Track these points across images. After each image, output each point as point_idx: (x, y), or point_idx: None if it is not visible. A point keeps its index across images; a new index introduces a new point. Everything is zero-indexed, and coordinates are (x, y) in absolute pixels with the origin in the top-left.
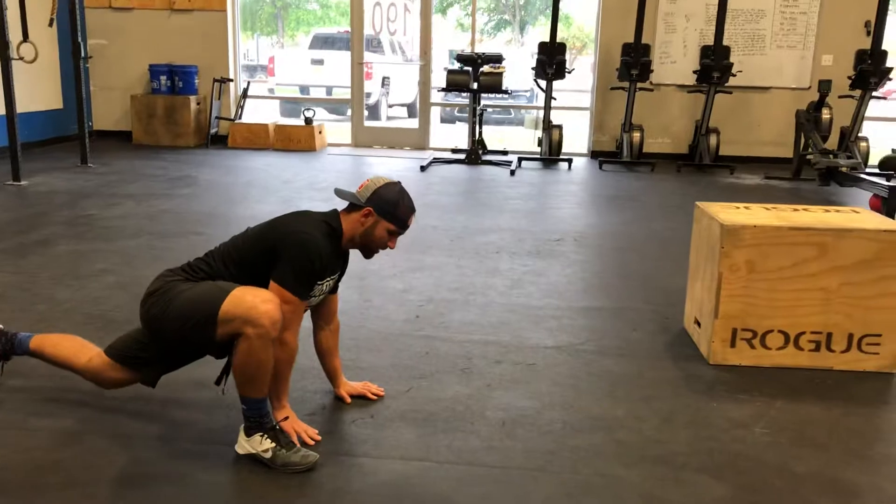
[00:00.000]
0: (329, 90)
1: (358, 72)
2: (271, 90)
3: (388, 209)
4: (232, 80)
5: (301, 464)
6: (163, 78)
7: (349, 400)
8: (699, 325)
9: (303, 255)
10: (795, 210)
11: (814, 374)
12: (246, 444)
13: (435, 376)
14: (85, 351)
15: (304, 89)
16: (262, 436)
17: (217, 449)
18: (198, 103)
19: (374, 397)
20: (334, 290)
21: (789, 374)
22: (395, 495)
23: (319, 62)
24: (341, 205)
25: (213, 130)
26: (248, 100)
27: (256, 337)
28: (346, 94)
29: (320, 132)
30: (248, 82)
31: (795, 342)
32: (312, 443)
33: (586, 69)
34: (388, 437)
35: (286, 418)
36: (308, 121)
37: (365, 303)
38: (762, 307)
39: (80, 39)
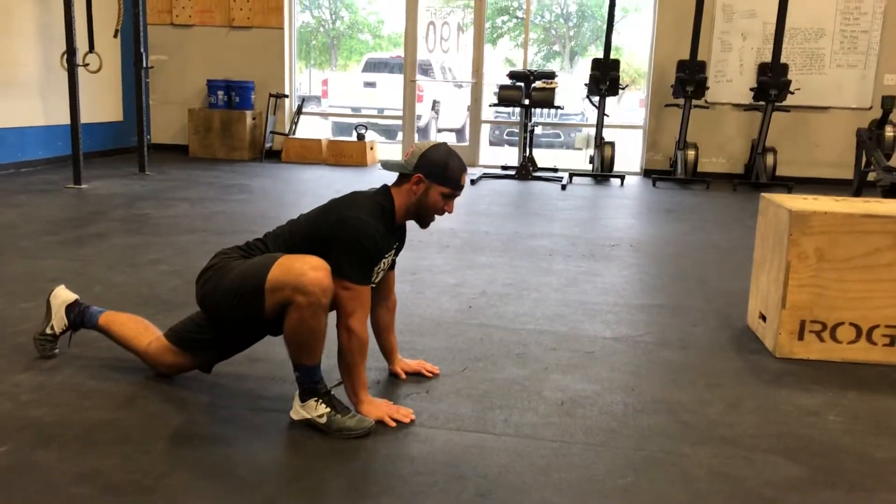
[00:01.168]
0: (381, 111)
1: (410, 89)
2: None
3: (438, 171)
4: (287, 96)
5: (357, 428)
6: (220, 93)
7: (404, 376)
8: (764, 319)
9: (356, 240)
10: (867, 202)
11: (889, 370)
12: (301, 410)
13: (490, 359)
14: (147, 334)
15: (356, 111)
16: (316, 401)
17: (271, 416)
18: (253, 118)
19: (430, 374)
20: (391, 266)
21: (861, 368)
22: (452, 462)
23: (372, 85)
24: (391, 179)
25: (267, 145)
26: (302, 117)
27: (307, 305)
28: (397, 114)
29: (371, 148)
30: (303, 98)
31: (868, 336)
32: (408, 422)
33: (635, 103)
34: (444, 409)
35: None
36: (360, 136)
37: (418, 295)
38: (832, 298)
39: (142, 50)
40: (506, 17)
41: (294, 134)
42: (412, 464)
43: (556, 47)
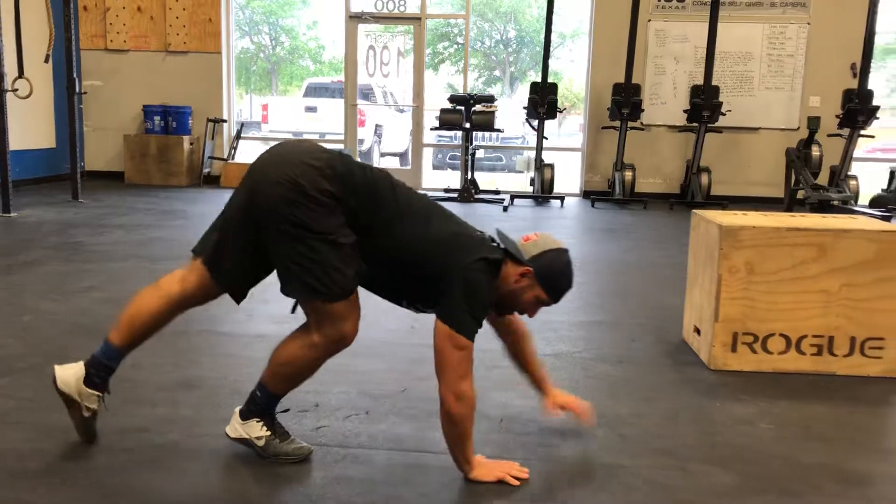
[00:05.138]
0: (322, 135)
1: (351, 113)
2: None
3: (551, 278)
4: (225, 121)
5: (294, 454)
6: (156, 118)
7: (560, 413)
8: (699, 332)
9: (479, 296)
10: (793, 216)
11: (817, 379)
12: (240, 429)
13: (431, 379)
14: (168, 281)
15: (297, 135)
16: (259, 422)
17: (204, 440)
18: (191, 143)
19: (582, 417)
20: None
21: (792, 378)
22: (391, 482)
23: (313, 109)
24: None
25: (206, 170)
26: (241, 142)
27: (327, 353)
28: (339, 138)
29: None
30: (242, 123)
31: (797, 346)
32: (526, 476)
33: (576, 127)
34: (384, 430)
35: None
36: None
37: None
38: (763, 310)
39: (74, 75)
40: (447, 43)
41: (233, 159)
42: (350, 486)
43: (497, 72)
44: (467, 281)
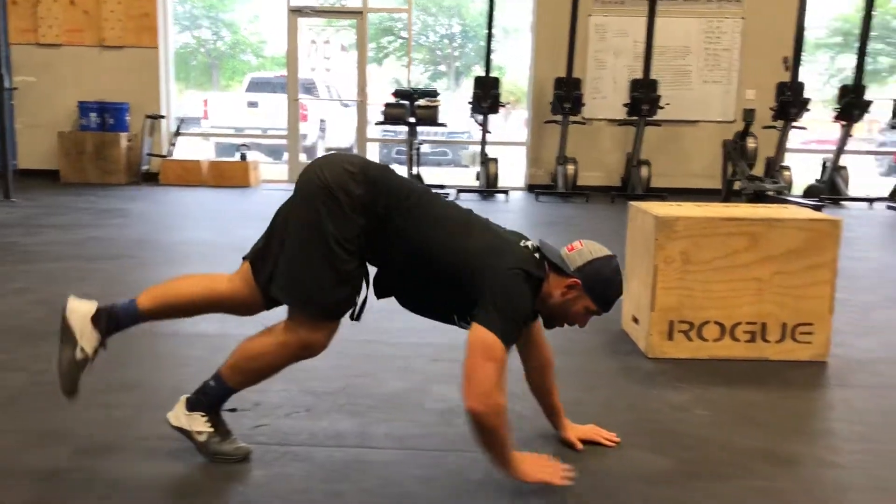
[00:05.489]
0: (265, 130)
1: (293, 108)
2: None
3: (599, 288)
4: (164, 117)
5: (233, 454)
6: (92, 115)
7: (580, 446)
8: (637, 321)
9: (515, 302)
10: (726, 206)
11: (750, 365)
12: (183, 418)
13: (372, 374)
14: (216, 276)
15: (239, 131)
16: (203, 416)
17: (141, 443)
18: (129, 140)
19: (609, 443)
20: None
21: (726, 364)
22: (332, 479)
23: (255, 104)
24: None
25: (144, 167)
26: (181, 138)
27: (293, 357)
28: (282, 133)
29: (255, 169)
30: (182, 119)
31: (731, 333)
32: (572, 477)
33: (522, 121)
34: (325, 427)
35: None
36: (243, 157)
37: None
38: (698, 299)
39: (3, 71)
40: (391, 37)
41: (172, 155)
42: (289, 483)
43: (442, 67)
44: (504, 286)
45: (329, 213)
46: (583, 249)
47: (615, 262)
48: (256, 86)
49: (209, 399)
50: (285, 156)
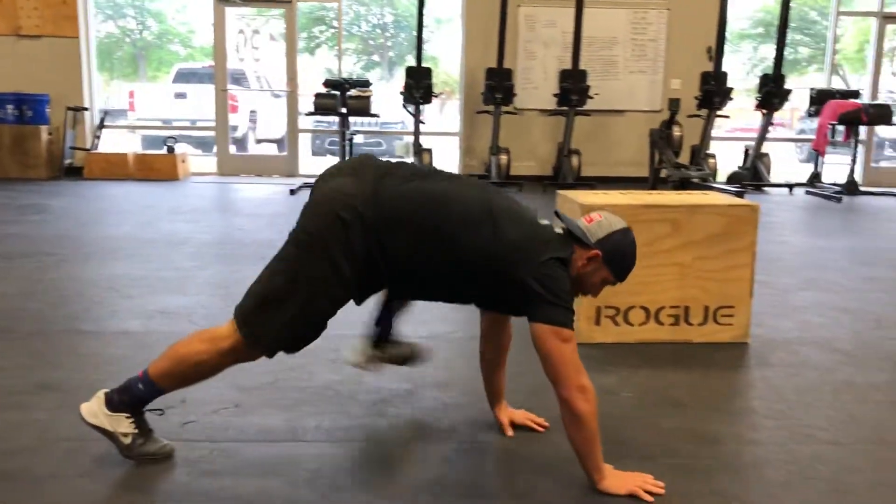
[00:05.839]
0: (193, 122)
1: (221, 99)
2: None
3: (618, 260)
4: (87, 109)
5: (158, 454)
6: (9, 107)
7: (510, 431)
8: None
9: (562, 285)
10: (650, 194)
11: (675, 348)
12: (104, 418)
13: (303, 367)
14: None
15: (167, 123)
16: (128, 418)
17: (61, 445)
18: (49, 133)
19: (539, 428)
20: None
21: (652, 347)
22: (260, 474)
23: (183, 96)
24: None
25: (67, 161)
26: (105, 130)
27: (229, 363)
28: (211, 125)
29: (183, 161)
30: (106, 111)
31: (656, 317)
32: (662, 491)
33: (456, 113)
34: (254, 422)
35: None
36: (170, 149)
37: (229, 308)
38: (624, 284)
39: None
40: (323, 27)
41: (97, 149)
42: (217, 480)
43: (376, 57)
44: (547, 277)
45: (321, 223)
46: (602, 221)
47: (632, 235)
48: (184, 77)
49: (134, 400)
50: (215, 147)
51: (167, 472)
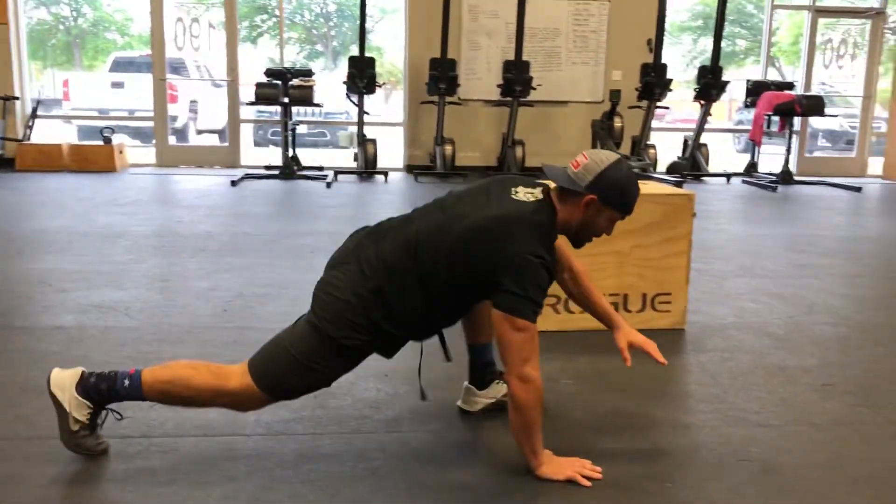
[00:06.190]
0: (131, 112)
1: (160, 88)
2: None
3: (617, 196)
4: (18, 99)
5: (93, 450)
6: None
7: (627, 357)
8: None
9: (537, 278)
10: None
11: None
12: (69, 395)
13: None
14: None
15: (104, 113)
16: (90, 408)
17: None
18: None
19: (657, 356)
20: None
21: (591, 335)
22: (198, 469)
23: (120, 85)
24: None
25: None
26: (38, 121)
27: (223, 402)
28: (149, 115)
29: (121, 152)
30: (38, 101)
31: None
32: (599, 476)
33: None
34: (192, 416)
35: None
36: (107, 140)
37: (168, 302)
38: None
39: None
40: (265, 16)
41: (29, 139)
42: (152, 476)
43: (319, 46)
44: (517, 267)
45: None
46: (588, 163)
47: (625, 165)
48: (121, 66)
49: (110, 394)
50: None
51: (102, 469)
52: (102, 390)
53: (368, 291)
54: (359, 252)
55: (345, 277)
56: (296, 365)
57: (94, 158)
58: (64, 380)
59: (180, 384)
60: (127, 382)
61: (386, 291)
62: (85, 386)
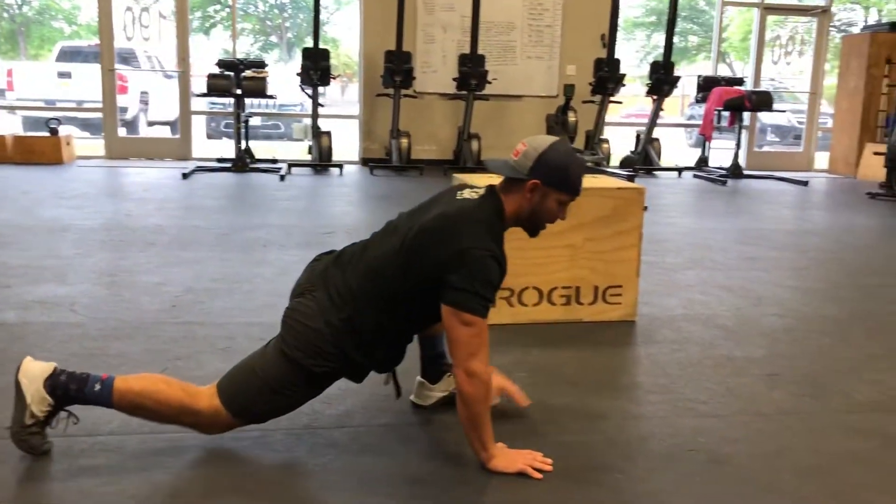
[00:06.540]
0: (79, 103)
1: (109, 79)
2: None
3: (558, 177)
4: None
5: (37, 449)
6: None
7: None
8: None
9: (485, 273)
10: None
11: (566, 327)
12: (35, 389)
13: (193, 357)
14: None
15: (50, 104)
16: (51, 406)
17: None
18: None
19: (520, 399)
20: None
21: (544, 327)
22: (144, 467)
23: (67, 75)
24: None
25: None
26: None
27: (188, 422)
28: (98, 106)
29: (68, 144)
30: None
31: (549, 297)
32: (549, 468)
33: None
34: None
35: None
36: (53, 131)
37: (115, 297)
38: (517, 266)
39: None
40: (218, 7)
41: None
42: (96, 476)
43: (274, 38)
44: (465, 263)
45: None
46: (527, 150)
47: (564, 145)
48: (68, 55)
49: (77, 395)
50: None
51: (43, 469)
52: (71, 390)
53: (339, 321)
54: (326, 279)
55: (315, 305)
56: (265, 390)
57: (40, 150)
58: (34, 371)
59: (150, 396)
60: (98, 387)
61: (356, 321)
62: (54, 383)
